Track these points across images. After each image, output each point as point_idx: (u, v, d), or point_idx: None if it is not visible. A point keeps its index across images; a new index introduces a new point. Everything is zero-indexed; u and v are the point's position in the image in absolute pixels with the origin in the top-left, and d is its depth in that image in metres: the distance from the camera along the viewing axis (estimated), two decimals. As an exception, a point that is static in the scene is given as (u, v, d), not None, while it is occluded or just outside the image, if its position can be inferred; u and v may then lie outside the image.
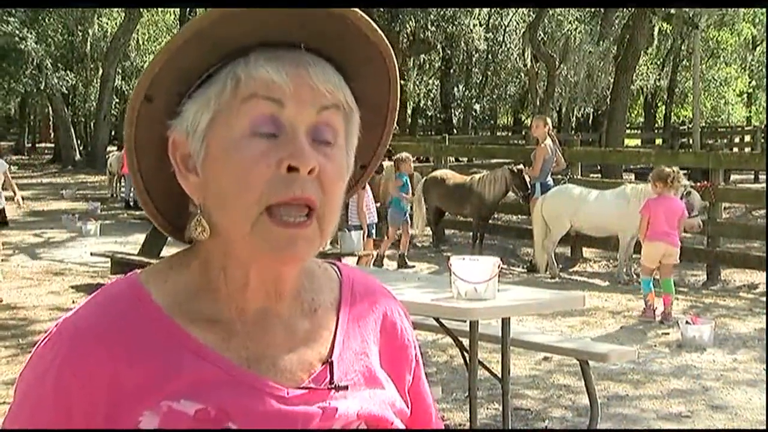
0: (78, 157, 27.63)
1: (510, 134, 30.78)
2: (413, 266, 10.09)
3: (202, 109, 0.93)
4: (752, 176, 20.50)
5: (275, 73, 0.90)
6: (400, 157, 10.45)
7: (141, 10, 25.49)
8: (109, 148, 26.48)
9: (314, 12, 0.92)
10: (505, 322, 4.54)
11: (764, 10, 19.01)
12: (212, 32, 0.90)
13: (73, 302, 8.05)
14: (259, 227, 0.90)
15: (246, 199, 0.89)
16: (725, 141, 25.92)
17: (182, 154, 0.95)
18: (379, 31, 0.96)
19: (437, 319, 4.77)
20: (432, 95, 30.65)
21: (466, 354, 4.80)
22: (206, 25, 0.90)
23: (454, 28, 21.42)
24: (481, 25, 23.42)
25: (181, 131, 0.94)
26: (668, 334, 7.12)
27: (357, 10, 0.93)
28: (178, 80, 0.93)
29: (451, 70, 29.21)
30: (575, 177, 10.97)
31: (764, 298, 8.45)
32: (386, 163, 12.91)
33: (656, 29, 21.63)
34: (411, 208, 11.13)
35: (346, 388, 0.97)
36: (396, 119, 1.03)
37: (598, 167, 17.30)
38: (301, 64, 0.92)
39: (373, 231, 9.25)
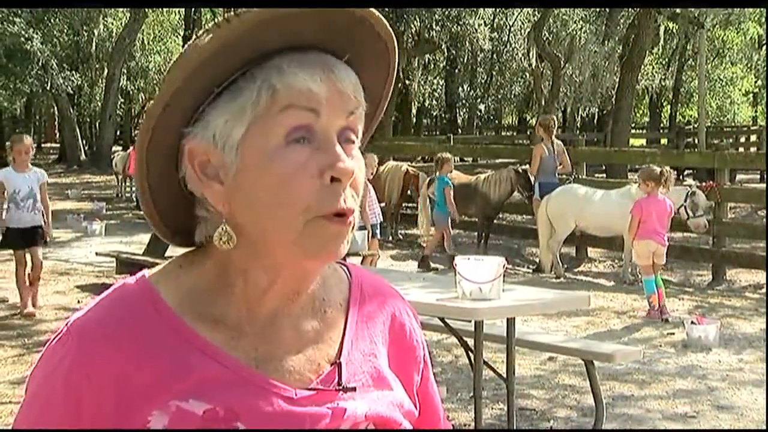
0: (83, 157, 27.68)
1: (515, 134, 30.76)
2: (436, 268, 10.09)
3: (234, 119, 0.92)
4: (758, 176, 20.45)
5: (312, 82, 0.91)
6: (441, 157, 10.51)
7: (146, 10, 25.54)
8: (114, 148, 26.54)
9: (335, 12, 0.92)
10: (510, 322, 4.54)
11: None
12: (240, 42, 0.90)
13: (79, 302, 8.06)
14: (311, 230, 0.90)
15: (291, 208, 0.90)
16: (731, 141, 26.01)
17: (201, 162, 0.94)
18: (389, 27, 0.97)
19: (442, 319, 4.77)
20: (437, 95, 30.67)
21: (471, 354, 4.80)
22: (240, 33, 0.89)
23: (459, 27, 21.39)
24: (486, 25, 23.38)
25: (202, 140, 0.93)
26: (673, 334, 7.11)
27: (376, 12, 0.94)
28: (199, 89, 0.92)
29: (456, 70, 29.20)
30: (580, 177, 10.96)
31: (770, 299, 8.44)
32: (391, 163, 12.95)
33: (662, 29, 21.61)
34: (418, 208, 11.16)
35: (354, 389, 0.97)
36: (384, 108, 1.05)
37: (603, 167, 17.29)
38: (328, 68, 0.93)
39: (378, 231, 9.25)
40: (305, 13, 0.91)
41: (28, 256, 7.68)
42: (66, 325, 0.97)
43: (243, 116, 0.92)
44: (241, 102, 0.92)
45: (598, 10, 22.71)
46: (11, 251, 7.94)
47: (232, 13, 0.91)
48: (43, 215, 7.68)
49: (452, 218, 10.37)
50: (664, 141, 28.24)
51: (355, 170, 0.93)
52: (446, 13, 19.85)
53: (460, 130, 28.82)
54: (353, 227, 0.94)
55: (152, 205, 0.98)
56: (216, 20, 0.91)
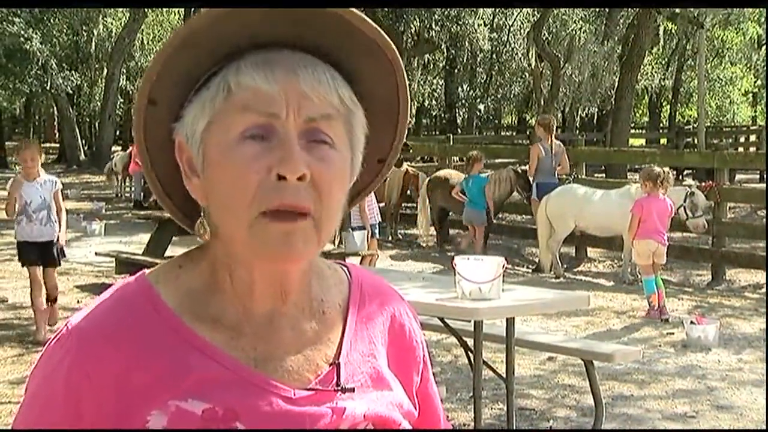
0: (83, 156, 27.69)
1: (514, 134, 30.74)
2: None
3: (198, 114, 0.94)
4: (757, 176, 20.45)
5: (265, 83, 0.90)
6: (473, 155, 10.61)
7: (146, 10, 25.53)
8: (113, 148, 26.54)
9: (305, 10, 0.91)
10: (510, 322, 4.54)
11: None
12: (203, 36, 0.91)
13: (78, 302, 8.06)
14: (256, 227, 0.90)
15: (241, 203, 0.90)
16: (730, 141, 26.01)
17: (188, 157, 0.96)
18: (376, 26, 0.95)
19: (442, 319, 4.77)
20: (436, 95, 30.65)
21: (470, 354, 4.80)
22: (195, 29, 0.90)
23: (459, 27, 21.41)
24: (485, 25, 23.39)
25: (183, 135, 0.95)
26: (673, 334, 7.11)
27: (354, 9, 0.93)
28: (178, 84, 0.94)
29: (456, 70, 29.20)
30: (580, 177, 10.96)
31: (769, 298, 8.44)
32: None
33: (661, 29, 21.60)
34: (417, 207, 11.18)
35: (352, 390, 0.97)
36: (409, 112, 1.03)
37: (603, 167, 17.28)
38: (291, 68, 0.91)
39: (377, 231, 9.25)
40: (267, 11, 0.90)
41: (40, 273, 6.90)
42: (66, 325, 0.97)
43: (204, 112, 0.93)
44: (203, 98, 0.93)
45: (597, 9, 22.72)
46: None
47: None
48: (59, 226, 6.91)
49: (489, 216, 10.47)
50: (663, 141, 28.26)
51: (320, 170, 0.90)
52: (446, 13, 19.87)
53: (459, 130, 28.79)
54: (324, 230, 0.92)
55: (164, 193, 1.00)
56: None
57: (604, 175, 16.03)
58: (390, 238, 12.29)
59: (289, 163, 0.89)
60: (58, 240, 6.92)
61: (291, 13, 0.91)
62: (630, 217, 8.00)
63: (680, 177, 18.93)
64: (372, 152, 0.99)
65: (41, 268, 6.92)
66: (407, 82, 1.01)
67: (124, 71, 28.11)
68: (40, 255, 6.88)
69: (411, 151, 10.87)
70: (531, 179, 10.48)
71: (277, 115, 0.90)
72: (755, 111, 38.86)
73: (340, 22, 0.93)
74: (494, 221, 11.47)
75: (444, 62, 28.90)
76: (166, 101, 0.94)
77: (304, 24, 0.92)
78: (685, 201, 9.21)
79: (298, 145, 0.90)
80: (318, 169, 0.90)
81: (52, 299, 7.11)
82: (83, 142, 29.73)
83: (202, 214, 0.96)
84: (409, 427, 1.01)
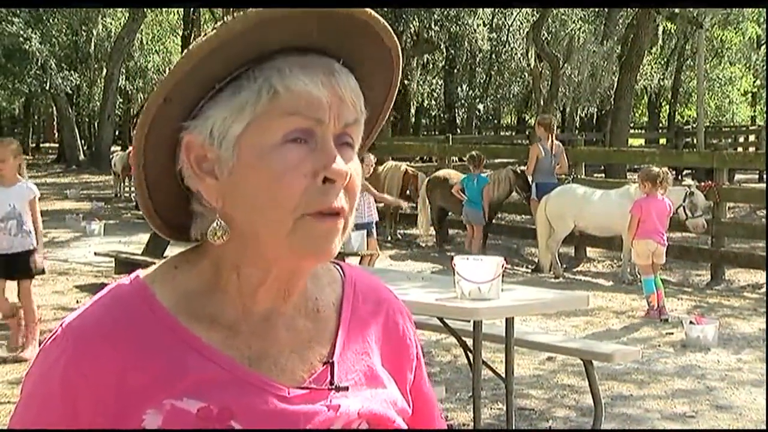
0: (82, 156, 27.67)
1: (514, 134, 30.75)
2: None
3: (233, 116, 0.93)
4: (756, 176, 20.46)
5: (313, 86, 0.92)
6: (476, 155, 10.62)
7: (145, 10, 25.52)
8: (113, 148, 26.53)
9: (336, 14, 0.92)
10: (509, 322, 4.54)
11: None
12: (241, 39, 0.91)
13: (77, 302, 8.06)
14: (301, 228, 0.91)
15: (282, 206, 0.91)
16: (729, 140, 26.02)
17: (198, 156, 0.95)
18: (393, 35, 0.97)
19: (441, 319, 4.77)
20: (435, 95, 30.66)
21: (469, 354, 4.80)
22: (238, 32, 0.90)
23: (458, 27, 21.41)
24: (484, 25, 23.39)
25: (199, 134, 0.94)
26: (672, 334, 7.11)
27: (377, 16, 0.94)
28: (198, 84, 0.93)
29: (455, 70, 29.19)
30: (579, 177, 10.97)
31: (768, 298, 8.44)
32: (390, 162, 12.95)
33: (660, 29, 21.59)
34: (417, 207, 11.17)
35: (346, 389, 0.98)
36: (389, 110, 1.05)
37: (602, 167, 17.29)
38: (330, 73, 0.93)
39: (374, 230, 9.26)
40: (306, 14, 0.91)
41: (8, 290, 6.21)
42: (60, 325, 0.97)
43: (242, 114, 0.92)
44: (242, 100, 0.92)
45: (596, 9, 22.72)
46: None
47: (240, 12, 0.91)
48: (35, 239, 6.14)
49: (483, 218, 10.50)
50: (662, 141, 28.26)
51: (352, 173, 0.93)
52: (445, 13, 19.87)
53: (459, 130, 28.81)
54: (347, 229, 0.94)
55: (148, 196, 0.98)
56: (224, 19, 0.92)
57: (603, 175, 16.03)
58: (389, 238, 12.29)
59: (338, 169, 0.91)
60: (34, 251, 6.15)
61: (322, 20, 0.92)
62: (629, 218, 8.00)
63: (679, 177, 18.94)
64: None
65: (7, 281, 6.22)
66: (396, 90, 1.04)
67: (124, 71, 28.10)
68: (6, 268, 6.13)
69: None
70: (530, 179, 10.49)
71: (322, 120, 0.92)
72: (754, 111, 38.89)
73: (365, 28, 0.94)
74: (493, 221, 11.49)
75: (443, 62, 28.90)
76: (182, 100, 0.94)
77: (330, 28, 0.93)
78: (684, 201, 9.22)
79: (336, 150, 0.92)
80: (350, 171, 0.93)
81: (28, 321, 6.31)
82: (82, 142, 29.72)
83: (218, 216, 0.94)
84: (404, 425, 1.02)
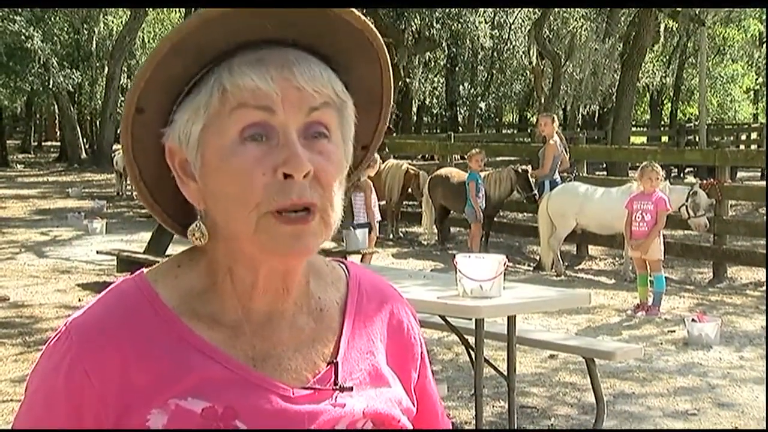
0: (84, 155, 27.70)
1: (515, 132, 30.74)
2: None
3: (192, 118, 0.93)
4: (759, 173, 20.44)
5: (260, 80, 0.90)
6: (471, 153, 10.58)
7: (146, 8, 25.53)
8: (114, 147, 26.53)
9: (294, 9, 0.92)
10: (511, 320, 4.54)
11: (770, 7, 18.95)
12: (192, 41, 0.91)
13: (80, 300, 8.07)
14: (264, 227, 0.90)
15: (246, 204, 0.90)
16: (731, 138, 25.95)
17: (180, 161, 0.95)
18: (363, 17, 0.95)
19: (443, 317, 4.77)
20: (437, 93, 30.64)
21: (471, 352, 4.80)
22: (185, 34, 0.90)
23: (460, 25, 21.37)
24: (486, 23, 23.36)
25: (175, 139, 0.95)
26: (674, 331, 7.11)
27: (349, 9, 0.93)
28: (167, 90, 0.93)
29: (457, 68, 29.19)
30: (581, 174, 10.95)
31: (770, 296, 8.43)
32: (392, 161, 12.95)
33: (662, 26, 21.57)
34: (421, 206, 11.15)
35: (350, 389, 0.98)
36: (392, 98, 1.03)
37: (604, 165, 17.30)
38: (285, 64, 0.92)
39: (377, 229, 9.26)
40: (255, 12, 0.90)
41: None
42: (65, 323, 0.97)
43: (198, 115, 0.93)
44: (198, 101, 0.93)
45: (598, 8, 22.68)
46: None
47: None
48: None
49: (476, 216, 10.43)
50: (664, 138, 28.21)
51: (321, 165, 0.91)
52: (446, 11, 19.84)
53: (460, 128, 28.80)
54: (329, 223, 0.93)
55: (153, 201, 0.99)
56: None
57: (605, 172, 16.03)
58: (391, 237, 12.29)
59: (295, 162, 0.90)
60: None
61: (279, 13, 0.91)
62: (625, 215, 8.00)
63: (681, 175, 18.93)
64: (356, 139, 0.99)
65: None
66: (391, 70, 1.01)
67: (125, 69, 28.11)
68: None
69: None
70: (543, 177, 10.42)
71: (272, 109, 0.90)
72: (756, 108, 38.81)
73: (329, 17, 0.93)
74: (494, 219, 11.48)
75: (445, 60, 28.88)
76: (154, 107, 0.94)
77: (293, 22, 0.92)
78: (687, 200, 9.20)
79: (298, 142, 0.91)
80: (319, 163, 0.91)
81: None
82: (84, 140, 29.73)
83: (199, 217, 0.95)
84: (409, 424, 1.02)
